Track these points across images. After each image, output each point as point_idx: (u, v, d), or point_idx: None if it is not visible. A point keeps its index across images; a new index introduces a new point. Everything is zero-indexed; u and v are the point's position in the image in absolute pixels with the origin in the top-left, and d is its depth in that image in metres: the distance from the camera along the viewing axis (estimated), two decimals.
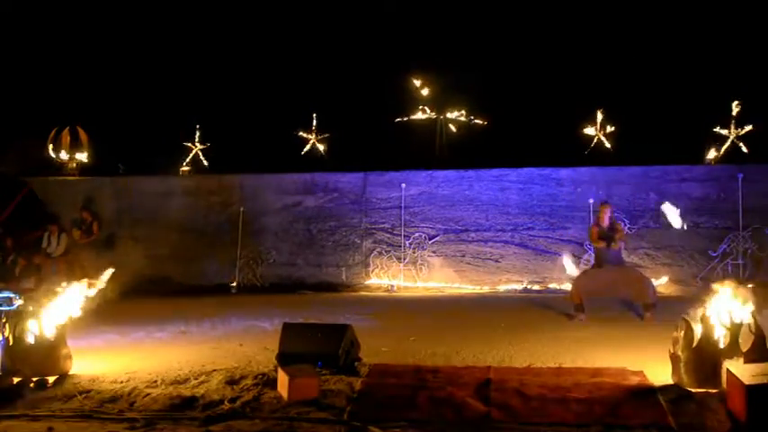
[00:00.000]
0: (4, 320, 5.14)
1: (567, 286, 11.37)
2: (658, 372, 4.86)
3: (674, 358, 4.70)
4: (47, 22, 16.20)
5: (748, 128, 12.50)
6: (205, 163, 14.68)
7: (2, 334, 5.06)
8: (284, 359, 5.10)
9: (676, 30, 14.30)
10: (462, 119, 14.08)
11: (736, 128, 12.56)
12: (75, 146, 14.08)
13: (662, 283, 11.19)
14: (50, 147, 14.00)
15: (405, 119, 14.23)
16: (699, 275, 11.21)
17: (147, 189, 13.30)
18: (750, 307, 4.69)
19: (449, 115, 14.23)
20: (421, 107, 14.24)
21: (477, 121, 14.01)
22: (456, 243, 12.04)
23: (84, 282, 5.56)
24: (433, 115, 14.24)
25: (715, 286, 4.92)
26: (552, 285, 11.49)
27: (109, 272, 5.98)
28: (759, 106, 12.50)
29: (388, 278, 12.02)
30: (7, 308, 7.44)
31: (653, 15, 14.76)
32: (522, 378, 4.80)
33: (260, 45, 15.97)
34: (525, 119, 13.91)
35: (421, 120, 14.27)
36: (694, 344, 4.56)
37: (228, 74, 15.81)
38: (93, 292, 5.57)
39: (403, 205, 12.26)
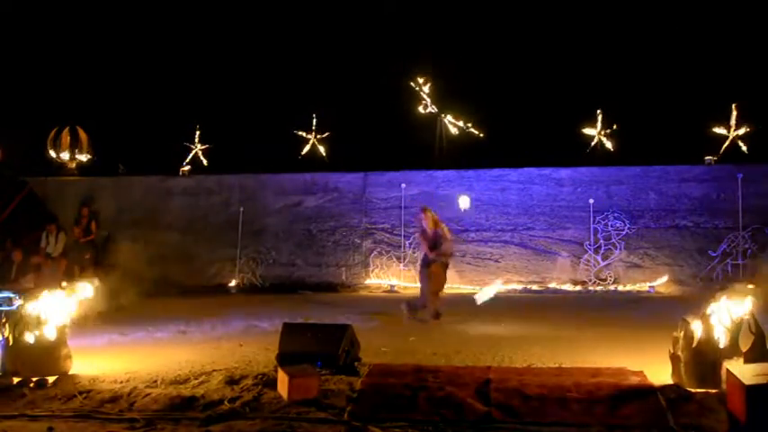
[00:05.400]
0: (4, 320, 5.14)
1: (568, 286, 11.42)
2: (658, 372, 4.86)
3: (674, 358, 4.70)
4: (46, 22, 16.19)
5: (747, 128, 12.50)
6: (205, 163, 14.69)
7: (2, 334, 5.06)
8: (284, 359, 5.10)
9: (676, 30, 14.29)
10: (460, 124, 14.08)
11: (735, 128, 12.55)
12: (75, 146, 14.09)
13: (662, 282, 11.21)
14: (50, 147, 14.01)
15: (413, 87, 14.15)
16: (699, 275, 11.22)
17: (147, 189, 13.31)
18: (750, 306, 4.69)
19: (448, 118, 14.23)
20: (422, 103, 14.22)
21: (473, 130, 14.03)
22: (456, 243, 12.03)
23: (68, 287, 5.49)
24: (434, 110, 14.20)
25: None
26: (552, 285, 11.50)
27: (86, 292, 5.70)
28: (759, 106, 12.50)
29: (388, 278, 12.02)
30: (7, 308, 7.43)
31: (653, 15, 14.76)
32: (522, 378, 4.80)
33: (260, 45, 15.96)
34: (525, 119, 13.90)
35: (421, 115, 14.25)
36: (694, 344, 4.56)
37: (228, 74, 15.80)
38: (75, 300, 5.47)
39: (403, 205, 12.26)
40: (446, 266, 8.42)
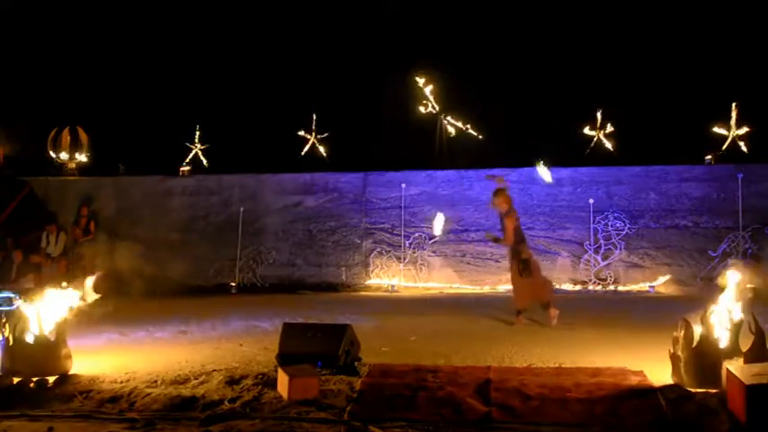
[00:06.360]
0: (4, 320, 5.14)
1: (568, 286, 11.41)
2: (658, 372, 4.86)
3: (674, 358, 4.70)
4: (47, 22, 16.19)
5: (748, 128, 12.50)
6: (205, 163, 14.69)
7: (2, 334, 5.06)
8: (284, 359, 5.10)
9: (676, 29, 14.29)
10: (460, 124, 14.08)
11: (735, 128, 12.56)
12: (75, 146, 14.09)
13: (662, 282, 11.21)
14: (50, 147, 14.01)
15: (414, 87, 14.14)
16: (699, 275, 11.22)
17: (147, 189, 13.31)
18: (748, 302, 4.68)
19: (448, 119, 14.23)
20: (423, 103, 14.21)
21: (472, 131, 14.03)
22: (456, 243, 12.04)
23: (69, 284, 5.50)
24: (435, 109, 14.20)
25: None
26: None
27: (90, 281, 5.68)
28: (759, 106, 12.50)
29: (389, 278, 12.02)
30: (7, 308, 7.43)
31: (653, 15, 14.76)
32: (522, 378, 4.80)
33: (260, 45, 15.96)
34: (525, 119, 13.90)
35: (421, 115, 14.25)
36: (694, 344, 4.56)
37: (228, 74, 15.80)
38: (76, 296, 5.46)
39: (403, 205, 12.26)
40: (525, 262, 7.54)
